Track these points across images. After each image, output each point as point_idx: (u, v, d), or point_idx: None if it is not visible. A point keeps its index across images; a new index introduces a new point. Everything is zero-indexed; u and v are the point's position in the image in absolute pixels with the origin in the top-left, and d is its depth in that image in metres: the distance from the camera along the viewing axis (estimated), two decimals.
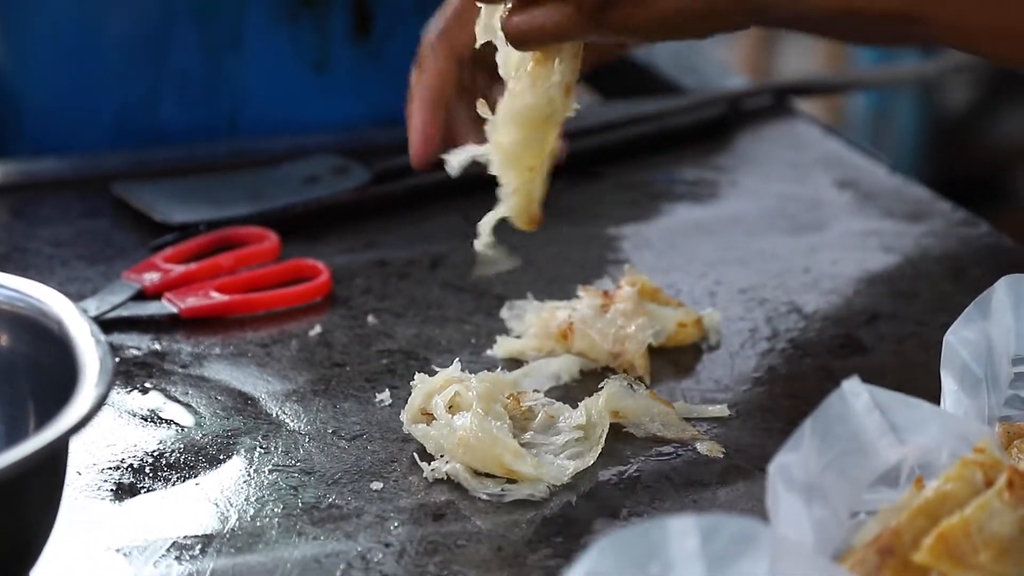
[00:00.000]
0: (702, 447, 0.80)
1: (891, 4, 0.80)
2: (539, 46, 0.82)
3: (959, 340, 0.74)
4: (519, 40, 0.81)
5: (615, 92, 1.33)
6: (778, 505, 0.66)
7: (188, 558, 0.71)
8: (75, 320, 0.70)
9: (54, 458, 0.66)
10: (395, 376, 0.87)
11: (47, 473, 0.66)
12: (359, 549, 0.72)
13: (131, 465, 0.78)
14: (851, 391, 0.68)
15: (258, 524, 0.74)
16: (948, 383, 0.74)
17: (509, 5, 0.82)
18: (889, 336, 0.91)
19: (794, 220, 1.05)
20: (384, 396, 0.84)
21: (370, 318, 0.93)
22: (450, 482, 0.77)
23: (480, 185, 1.08)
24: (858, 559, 0.65)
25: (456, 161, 0.86)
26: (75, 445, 0.69)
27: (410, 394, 0.81)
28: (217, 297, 0.92)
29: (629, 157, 1.14)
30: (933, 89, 2.70)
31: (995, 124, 2.82)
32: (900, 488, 0.69)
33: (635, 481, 0.78)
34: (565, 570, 0.58)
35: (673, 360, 0.88)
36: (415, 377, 0.81)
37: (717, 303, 0.94)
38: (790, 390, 0.85)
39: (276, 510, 0.75)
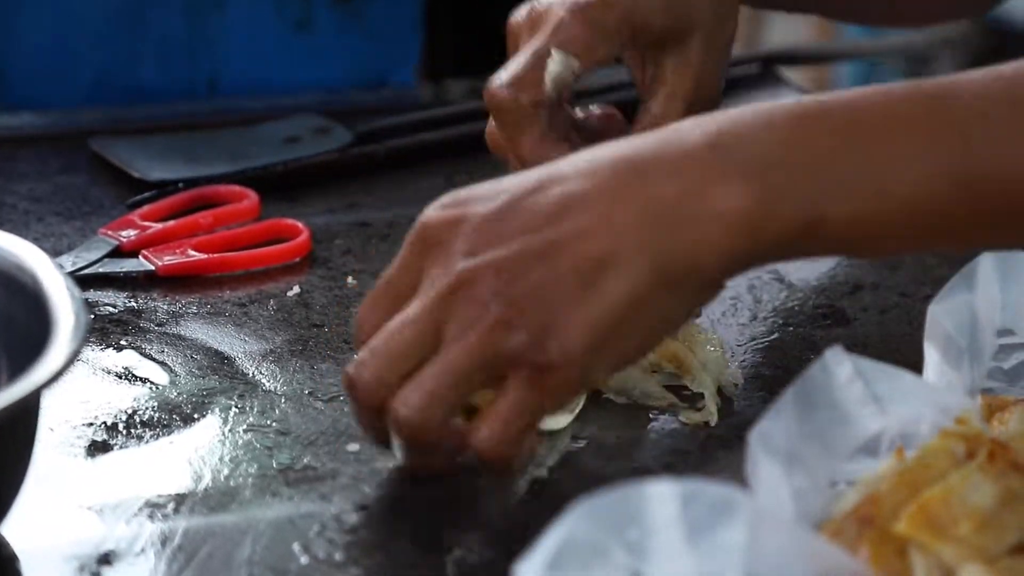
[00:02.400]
0: (683, 416, 0.79)
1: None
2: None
3: (943, 311, 0.74)
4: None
5: None
6: (758, 473, 0.65)
7: (161, 516, 0.71)
8: (50, 274, 0.69)
9: (26, 413, 0.65)
10: None
11: (18, 428, 0.65)
12: (333, 511, 0.71)
13: (104, 423, 0.77)
14: (834, 360, 0.68)
15: (232, 484, 0.73)
16: (931, 354, 0.74)
17: None
18: (872, 307, 0.90)
19: None
20: None
21: (350, 279, 0.92)
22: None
23: (463, 147, 1.08)
24: (837, 529, 0.64)
25: None
26: (48, 401, 0.68)
27: None
28: (195, 255, 0.91)
29: None
30: (920, 62, 2.69)
31: None
32: (881, 458, 0.68)
33: (614, 449, 0.77)
34: (541, 535, 0.57)
35: None
36: None
37: None
38: (772, 360, 0.85)
39: (250, 470, 0.74)
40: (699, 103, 0.83)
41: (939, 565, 0.62)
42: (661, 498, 0.59)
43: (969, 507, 0.62)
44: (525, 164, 0.78)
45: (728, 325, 0.88)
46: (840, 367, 0.68)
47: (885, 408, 0.68)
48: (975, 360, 0.74)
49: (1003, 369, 0.77)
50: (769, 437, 0.66)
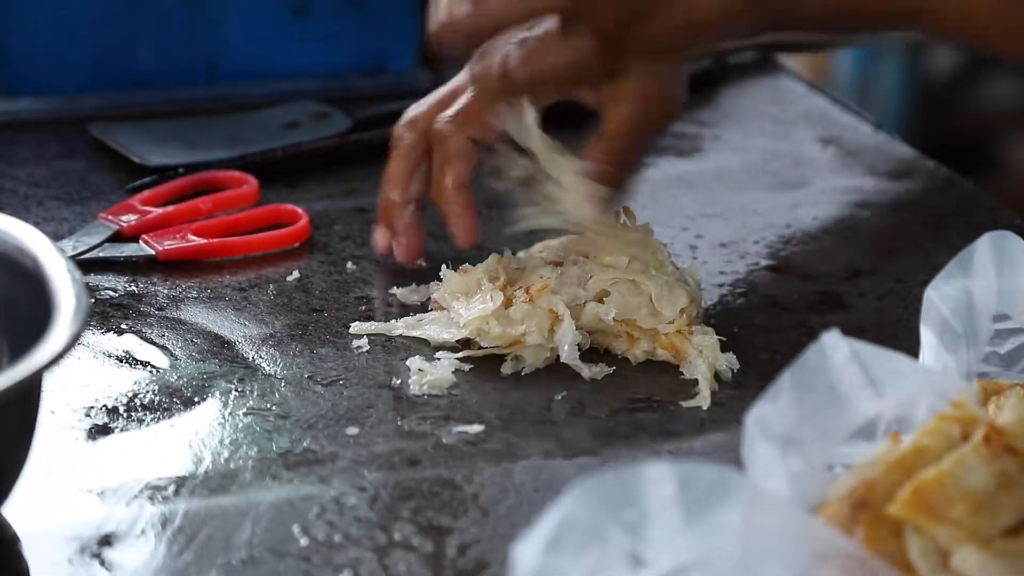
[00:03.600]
0: (682, 402, 0.80)
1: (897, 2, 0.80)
2: (556, 89, 0.82)
3: (940, 295, 0.74)
4: (532, 88, 0.82)
5: None
6: (754, 456, 0.65)
7: (161, 499, 0.71)
8: (51, 257, 0.70)
9: (27, 395, 0.65)
10: (373, 323, 0.86)
11: (20, 410, 0.66)
12: (333, 493, 0.72)
13: (105, 406, 0.78)
14: (830, 344, 0.68)
15: (232, 467, 0.74)
16: (927, 338, 0.74)
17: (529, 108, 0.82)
18: (869, 292, 0.91)
19: (776, 176, 1.05)
20: (361, 342, 0.84)
21: (349, 264, 0.92)
22: (426, 428, 0.77)
23: None
24: (833, 511, 0.65)
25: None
26: (49, 384, 0.69)
27: (387, 339, 0.80)
28: (195, 240, 0.92)
29: None
30: (918, 53, 2.69)
31: (980, 89, 2.81)
32: (877, 442, 0.69)
33: (611, 432, 0.77)
34: (539, 517, 0.57)
35: None
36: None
37: (698, 256, 0.94)
38: (769, 345, 0.85)
39: (250, 453, 0.74)
40: (652, 114, 0.83)
41: (934, 547, 0.62)
42: (658, 480, 0.59)
43: (964, 489, 0.63)
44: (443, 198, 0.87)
45: (725, 311, 0.88)
46: (836, 351, 0.68)
47: (881, 391, 0.68)
48: (971, 344, 0.74)
49: (999, 353, 0.77)
50: (765, 421, 0.66)
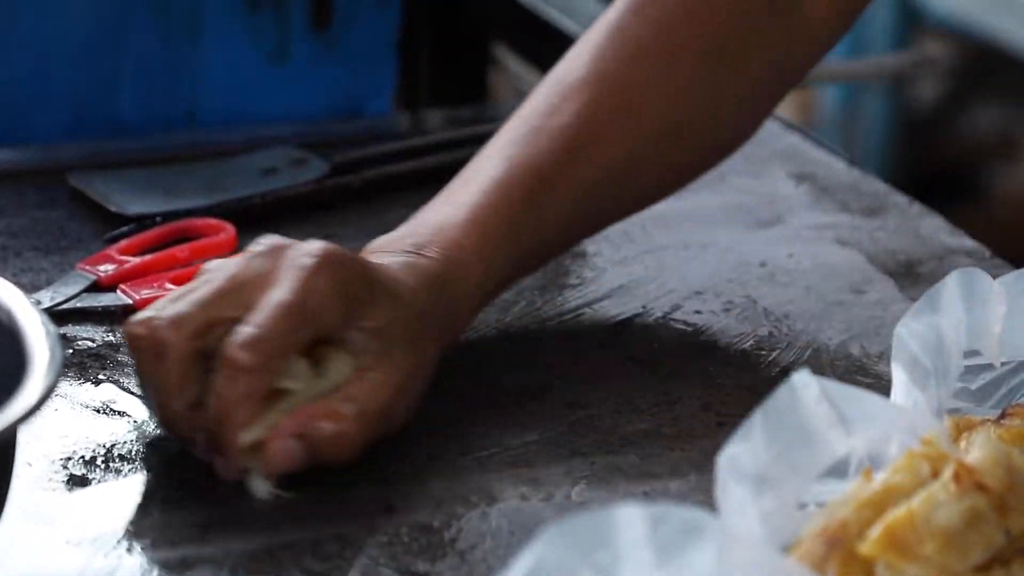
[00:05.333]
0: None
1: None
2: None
3: (909, 332, 0.75)
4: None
5: None
6: (727, 496, 0.66)
7: (140, 550, 0.71)
8: (25, 310, 0.70)
9: (2, 448, 0.65)
10: None
11: None
12: (311, 536, 0.72)
13: (83, 456, 0.78)
14: (801, 383, 0.69)
15: (212, 517, 0.74)
16: (898, 375, 0.75)
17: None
18: (842, 330, 0.91)
19: (751, 214, 1.06)
20: None
21: None
22: (406, 472, 0.77)
23: (440, 176, 1.09)
24: (805, 550, 0.65)
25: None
26: (26, 436, 0.69)
27: None
28: (172, 288, 0.92)
29: None
30: (903, 84, 2.71)
31: (964, 119, 2.83)
32: (849, 479, 0.69)
33: (586, 472, 0.78)
34: (511, 560, 0.58)
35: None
36: None
37: (673, 297, 0.94)
38: (743, 383, 0.86)
39: (230, 502, 0.75)
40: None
41: None
42: (630, 520, 0.60)
43: (934, 527, 0.63)
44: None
45: (701, 348, 0.89)
46: (807, 389, 0.68)
47: (852, 429, 0.69)
48: (941, 381, 0.75)
49: (970, 390, 0.77)
50: (738, 460, 0.66)
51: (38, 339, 0.68)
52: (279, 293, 0.75)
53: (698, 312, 0.93)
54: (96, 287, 0.92)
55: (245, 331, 0.73)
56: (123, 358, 0.87)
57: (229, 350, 0.73)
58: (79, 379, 0.85)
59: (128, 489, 0.76)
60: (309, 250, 0.77)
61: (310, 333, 0.75)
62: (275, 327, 0.73)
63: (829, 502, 0.67)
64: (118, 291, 0.92)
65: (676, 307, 0.93)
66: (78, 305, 0.91)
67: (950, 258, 0.98)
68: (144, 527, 0.73)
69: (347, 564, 0.71)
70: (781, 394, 0.68)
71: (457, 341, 0.84)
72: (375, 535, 0.73)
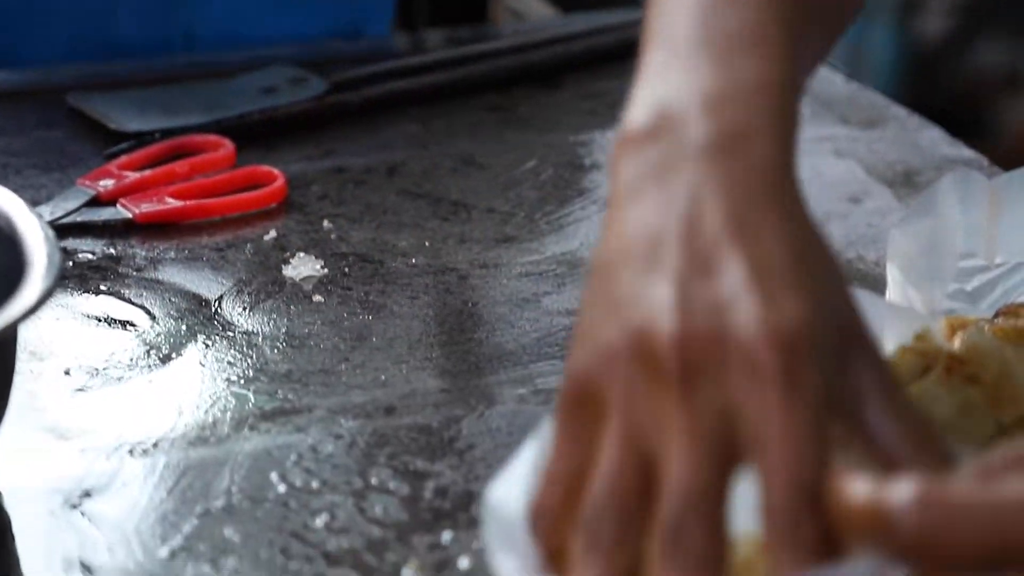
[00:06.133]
0: None
1: None
2: None
3: (905, 233, 0.75)
4: None
5: (575, 6, 1.33)
6: None
7: (140, 452, 0.72)
8: (25, 217, 0.70)
9: (2, 347, 0.66)
10: (350, 279, 0.87)
11: None
12: (310, 441, 0.73)
13: (84, 365, 0.79)
14: None
15: (210, 419, 0.75)
16: (893, 275, 0.75)
17: None
18: (840, 238, 0.91)
19: None
20: (337, 298, 0.85)
21: (325, 223, 0.93)
22: (402, 377, 0.78)
23: (438, 94, 1.09)
24: None
25: None
26: (28, 345, 0.69)
27: (363, 295, 0.81)
28: (172, 203, 0.93)
29: (588, 68, 1.14)
30: (908, 16, 2.70)
31: (972, 52, 2.81)
32: None
33: None
34: (510, 459, 0.58)
35: None
36: None
37: None
38: None
39: (228, 406, 0.75)
40: None
41: None
42: None
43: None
44: None
45: None
46: None
47: None
48: (936, 282, 0.75)
49: (965, 291, 0.78)
50: None
51: (37, 245, 0.68)
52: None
53: None
54: (96, 202, 0.93)
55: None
56: (123, 270, 0.87)
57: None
58: (80, 290, 0.85)
59: (129, 395, 0.77)
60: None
61: None
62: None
63: None
64: (118, 205, 0.92)
65: None
66: (78, 219, 0.91)
67: (948, 168, 0.98)
68: (145, 431, 0.73)
69: (346, 464, 0.71)
70: None
71: None
72: (374, 435, 0.73)
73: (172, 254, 0.89)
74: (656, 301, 0.52)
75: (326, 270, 0.88)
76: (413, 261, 0.89)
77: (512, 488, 0.57)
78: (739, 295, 0.51)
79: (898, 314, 0.70)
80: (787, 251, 0.53)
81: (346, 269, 0.88)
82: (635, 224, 0.55)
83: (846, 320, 0.53)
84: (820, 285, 0.53)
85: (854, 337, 0.53)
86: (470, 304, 0.85)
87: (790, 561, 0.49)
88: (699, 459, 0.50)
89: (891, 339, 0.69)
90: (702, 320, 0.51)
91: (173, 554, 0.65)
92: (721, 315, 0.51)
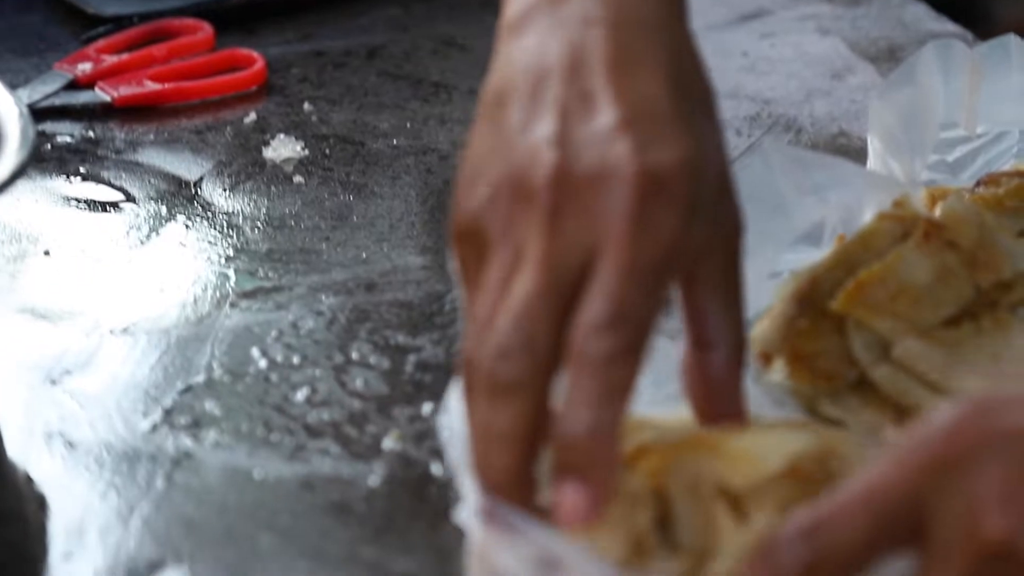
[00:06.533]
0: None
1: None
2: None
3: (886, 103, 0.75)
4: None
5: None
6: None
7: (121, 330, 0.72)
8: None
9: None
10: (330, 160, 0.87)
11: None
12: (291, 318, 0.73)
13: (64, 246, 0.78)
14: (772, 149, 0.69)
15: (191, 298, 0.75)
16: (874, 144, 0.75)
17: None
18: (823, 116, 0.91)
19: (733, 8, 1.04)
20: (317, 179, 0.85)
21: (306, 105, 0.92)
22: (383, 255, 0.78)
23: None
24: (777, 312, 0.66)
25: None
26: (8, 226, 0.69)
27: (344, 176, 0.81)
28: (151, 86, 0.92)
29: None
30: None
31: None
32: (823, 247, 0.70)
33: None
34: None
35: None
36: None
37: None
38: None
39: (209, 285, 0.75)
40: None
41: (876, 340, 0.63)
42: None
43: (905, 283, 0.64)
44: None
45: None
46: (778, 156, 0.69)
47: (825, 196, 0.69)
48: (917, 152, 0.75)
49: (946, 162, 0.78)
50: None
51: (10, 121, 0.68)
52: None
53: None
54: (74, 85, 0.92)
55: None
56: (102, 152, 0.87)
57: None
58: (59, 172, 0.85)
59: (109, 274, 0.77)
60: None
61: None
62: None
63: (802, 267, 0.68)
64: (96, 89, 0.92)
65: None
66: (56, 103, 0.91)
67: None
68: (125, 309, 0.73)
69: (327, 340, 0.71)
70: (753, 162, 0.69)
71: None
72: (355, 311, 0.73)
73: (151, 137, 0.89)
74: (537, 137, 0.53)
75: (306, 152, 0.87)
76: (394, 142, 0.89)
77: None
78: (614, 135, 0.52)
79: (878, 182, 0.70)
80: (666, 92, 0.53)
81: (327, 151, 0.88)
82: (523, 57, 0.55)
83: (715, 169, 0.54)
84: (694, 129, 0.54)
85: (719, 191, 0.54)
86: (451, 184, 0.85)
87: (585, 400, 0.50)
88: (540, 285, 0.51)
89: (871, 209, 0.69)
90: (577, 158, 0.52)
91: (154, 427, 0.65)
92: (596, 154, 0.52)
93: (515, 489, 0.51)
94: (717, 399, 0.56)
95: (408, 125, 0.91)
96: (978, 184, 0.73)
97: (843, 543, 0.47)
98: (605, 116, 0.53)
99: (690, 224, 0.52)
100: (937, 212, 0.72)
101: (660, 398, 0.59)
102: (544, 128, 0.53)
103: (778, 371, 0.65)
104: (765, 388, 0.64)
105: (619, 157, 0.52)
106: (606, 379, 0.50)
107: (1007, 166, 0.75)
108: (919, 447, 0.48)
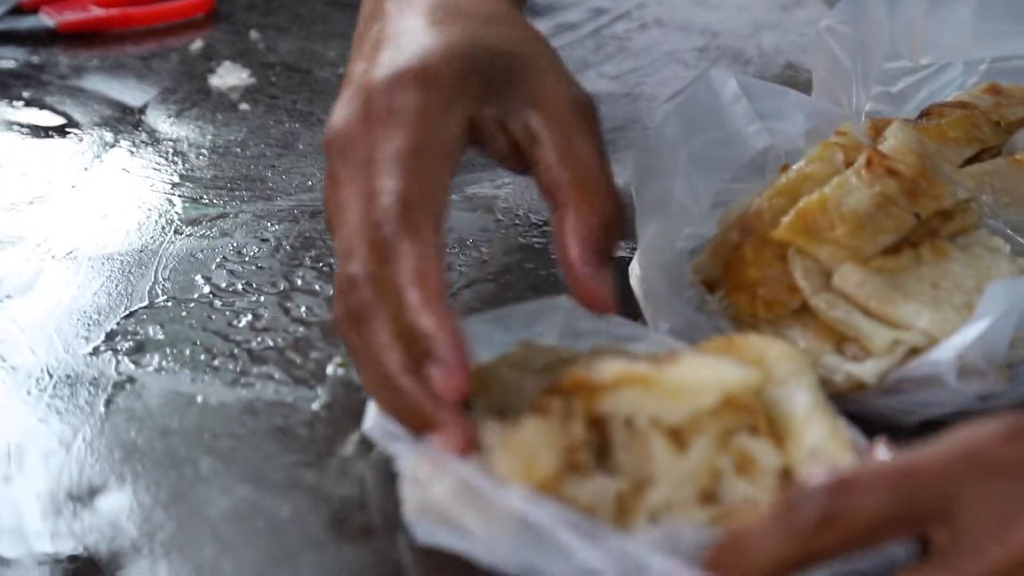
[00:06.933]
0: None
1: None
2: None
3: (830, 32, 0.75)
4: None
5: None
6: (642, 189, 0.67)
7: (64, 255, 0.72)
8: None
9: None
10: (277, 88, 0.86)
11: None
12: (235, 245, 0.73)
13: (7, 170, 0.78)
14: (718, 80, 0.69)
15: (135, 224, 0.74)
16: (818, 74, 0.75)
17: None
18: (771, 49, 0.91)
19: None
20: (263, 107, 0.84)
21: (253, 33, 0.92)
22: None
23: None
24: (720, 239, 0.66)
25: None
26: None
27: (290, 103, 0.81)
28: (96, 11, 0.91)
29: None
30: None
31: None
32: (767, 176, 0.70)
33: None
34: None
35: None
36: None
37: (603, 19, 0.94)
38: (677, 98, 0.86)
39: (153, 212, 0.75)
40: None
41: (816, 267, 0.64)
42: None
43: (845, 211, 0.64)
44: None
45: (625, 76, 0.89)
46: (724, 86, 0.69)
47: (770, 126, 0.69)
48: (861, 82, 0.75)
49: (891, 93, 0.78)
50: (652, 154, 0.67)
51: None
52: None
53: (627, 30, 0.92)
54: (18, 11, 0.91)
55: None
56: (46, 78, 0.86)
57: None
58: (2, 99, 0.84)
59: (50, 201, 0.76)
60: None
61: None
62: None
63: (746, 196, 0.68)
64: (40, 14, 0.91)
65: (603, 25, 0.92)
66: (0, 28, 0.90)
67: None
68: (66, 235, 0.73)
69: (271, 266, 0.71)
70: (698, 90, 0.69)
71: None
72: (299, 239, 0.73)
73: (96, 62, 0.88)
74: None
75: (253, 79, 0.87)
76: (341, 71, 0.88)
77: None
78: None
79: (821, 112, 0.70)
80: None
81: (273, 79, 0.87)
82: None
83: (494, 59, 0.60)
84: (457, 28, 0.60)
85: (510, 74, 0.60)
86: None
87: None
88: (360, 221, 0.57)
89: (814, 137, 0.70)
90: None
91: (96, 351, 0.65)
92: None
93: (400, 399, 0.54)
94: (579, 280, 0.58)
95: None
96: (922, 115, 0.73)
97: (865, 506, 0.49)
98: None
99: (449, 109, 0.58)
100: (880, 142, 0.72)
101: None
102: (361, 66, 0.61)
103: (720, 299, 0.65)
104: (708, 315, 0.65)
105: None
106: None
107: (951, 97, 0.76)
108: (967, 442, 0.50)
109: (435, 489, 0.53)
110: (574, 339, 0.61)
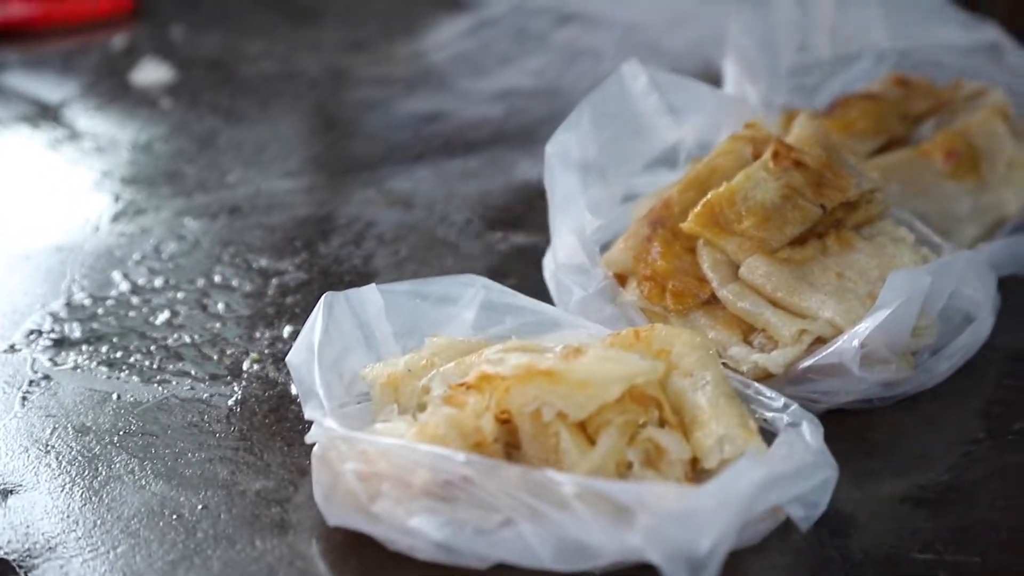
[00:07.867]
0: None
1: None
2: None
3: (740, 26, 0.76)
4: None
5: None
6: (555, 183, 0.67)
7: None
8: None
9: None
10: (198, 84, 0.87)
11: None
12: (153, 242, 0.73)
13: None
14: (630, 73, 0.69)
15: (51, 221, 0.74)
16: (729, 68, 0.76)
17: None
18: (688, 42, 0.92)
19: None
20: (185, 104, 0.84)
21: (175, 30, 0.92)
22: (249, 179, 0.78)
23: None
24: (631, 232, 0.67)
25: None
26: None
27: (212, 100, 0.81)
28: (17, 11, 0.91)
29: None
30: None
31: None
32: (679, 169, 0.71)
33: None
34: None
35: None
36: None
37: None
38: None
39: (71, 209, 0.75)
40: None
41: (724, 259, 0.65)
42: None
43: (752, 203, 0.65)
44: None
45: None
46: (636, 80, 0.69)
47: (682, 118, 0.70)
48: (773, 75, 0.76)
49: (805, 85, 0.79)
50: (565, 148, 0.68)
51: None
52: None
53: (547, 25, 0.93)
54: None
55: None
56: None
57: None
58: None
59: None
60: None
61: None
62: None
63: (657, 190, 0.69)
64: None
65: (524, 20, 0.93)
66: None
67: None
68: None
69: (189, 264, 0.72)
70: (609, 83, 0.69)
71: None
72: (219, 236, 0.73)
73: (15, 57, 0.88)
74: None
75: (175, 76, 0.87)
76: (263, 68, 0.89)
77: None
78: None
79: (732, 105, 0.71)
80: None
81: (195, 76, 0.88)
82: None
83: None
84: None
85: None
86: (320, 109, 0.85)
87: None
88: None
89: (725, 129, 0.71)
90: None
91: (12, 349, 0.65)
92: None
93: None
94: None
95: (278, 50, 0.91)
96: (832, 107, 0.74)
97: None
98: None
99: None
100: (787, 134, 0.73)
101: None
102: None
103: (632, 291, 0.66)
104: (620, 307, 0.66)
105: None
106: None
107: (860, 88, 0.77)
108: None
109: (346, 467, 0.54)
110: (492, 313, 0.62)
